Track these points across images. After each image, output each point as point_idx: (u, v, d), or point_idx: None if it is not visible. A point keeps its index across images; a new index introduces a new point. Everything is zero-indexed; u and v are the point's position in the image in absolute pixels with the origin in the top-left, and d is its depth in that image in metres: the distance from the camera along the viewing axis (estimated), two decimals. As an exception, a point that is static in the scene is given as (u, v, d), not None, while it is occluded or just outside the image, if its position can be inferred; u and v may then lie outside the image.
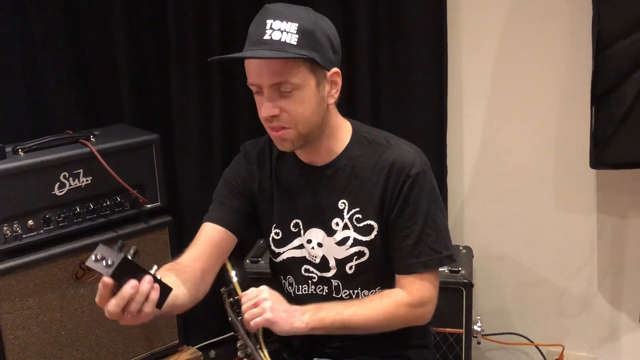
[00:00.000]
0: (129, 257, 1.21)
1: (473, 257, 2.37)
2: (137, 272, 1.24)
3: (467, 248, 2.39)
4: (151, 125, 2.39)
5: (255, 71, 1.42)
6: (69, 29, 2.37)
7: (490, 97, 2.40)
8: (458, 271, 2.15)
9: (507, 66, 2.36)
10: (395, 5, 2.34)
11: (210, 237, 1.58)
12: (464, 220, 2.53)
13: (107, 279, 1.20)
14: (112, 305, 1.22)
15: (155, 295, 1.25)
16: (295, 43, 1.39)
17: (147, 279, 1.24)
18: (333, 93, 1.49)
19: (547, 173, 2.38)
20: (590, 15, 2.05)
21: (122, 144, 2.06)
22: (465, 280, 2.13)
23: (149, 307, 1.24)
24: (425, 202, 1.50)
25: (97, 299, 1.24)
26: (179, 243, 2.36)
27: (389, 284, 1.56)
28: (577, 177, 2.32)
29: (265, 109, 1.43)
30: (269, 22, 1.40)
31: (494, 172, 2.46)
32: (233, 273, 1.59)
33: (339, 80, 1.49)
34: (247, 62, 1.43)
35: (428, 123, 2.41)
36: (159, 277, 1.27)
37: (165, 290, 1.28)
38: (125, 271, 1.21)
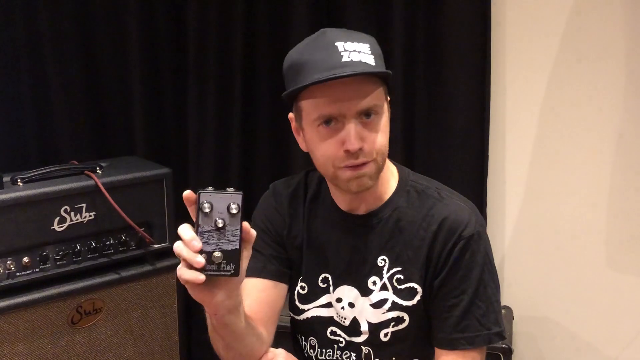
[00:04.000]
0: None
1: (513, 318, 2.31)
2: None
3: (507, 308, 2.32)
4: (165, 158, 2.38)
5: (338, 98, 1.30)
6: (82, 54, 2.39)
7: (536, 144, 2.35)
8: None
9: (556, 111, 2.30)
10: (435, 47, 2.31)
11: (253, 293, 1.47)
12: (504, 278, 2.44)
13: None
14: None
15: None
16: (374, 64, 1.32)
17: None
18: None
19: (598, 229, 2.30)
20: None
21: (130, 177, 2.02)
22: (503, 345, 2.05)
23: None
24: (478, 269, 1.40)
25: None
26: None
27: (428, 355, 1.46)
28: (632, 235, 2.25)
29: (354, 141, 1.30)
30: (339, 44, 1.31)
31: (538, 225, 2.39)
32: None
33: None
34: (321, 91, 1.31)
35: (467, 170, 2.35)
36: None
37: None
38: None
